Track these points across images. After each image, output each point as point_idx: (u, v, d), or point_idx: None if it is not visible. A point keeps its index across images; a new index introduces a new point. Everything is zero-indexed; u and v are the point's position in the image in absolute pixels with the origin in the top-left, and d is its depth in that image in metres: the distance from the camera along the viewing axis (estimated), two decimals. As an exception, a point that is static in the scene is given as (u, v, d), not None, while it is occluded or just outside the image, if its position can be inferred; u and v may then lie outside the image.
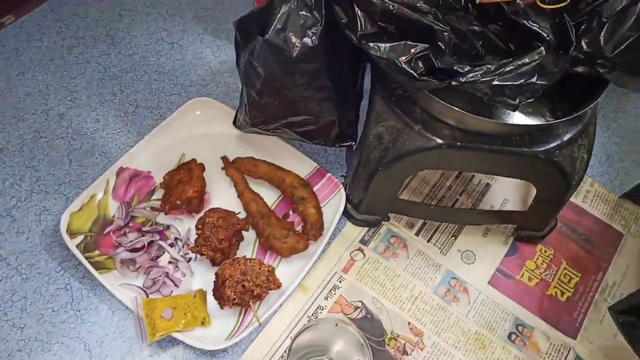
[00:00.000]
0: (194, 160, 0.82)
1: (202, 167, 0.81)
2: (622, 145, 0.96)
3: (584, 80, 0.67)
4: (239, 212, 0.79)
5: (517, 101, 0.60)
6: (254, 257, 0.76)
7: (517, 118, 0.69)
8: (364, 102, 0.83)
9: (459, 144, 0.67)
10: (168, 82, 0.95)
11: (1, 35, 0.98)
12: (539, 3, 0.60)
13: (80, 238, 0.74)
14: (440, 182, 0.88)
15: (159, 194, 0.80)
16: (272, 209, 0.81)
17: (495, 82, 0.59)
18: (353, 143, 0.81)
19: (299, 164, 0.84)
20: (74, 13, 1.02)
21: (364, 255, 0.80)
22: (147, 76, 0.96)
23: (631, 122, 0.99)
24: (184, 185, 0.77)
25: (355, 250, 0.81)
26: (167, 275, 0.73)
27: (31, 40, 0.97)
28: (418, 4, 0.63)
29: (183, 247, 0.76)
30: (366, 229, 0.83)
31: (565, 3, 0.61)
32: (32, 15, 1.01)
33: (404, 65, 0.62)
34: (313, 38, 0.67)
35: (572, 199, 0.88)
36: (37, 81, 0.93)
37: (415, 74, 0.61)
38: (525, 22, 0.62)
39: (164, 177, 0.80)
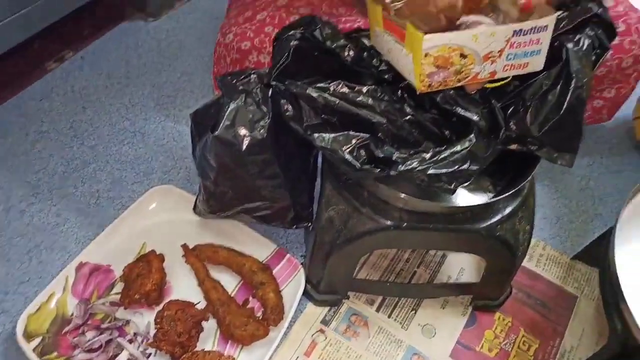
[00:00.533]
0: (152, 251, 0.83)
1: (161, 258, 0.82)
2: (570, 207, 1.00)
3: (521, 154, 0.71)
4: (199, 302, 0.79)
5: (453, 186, 0.64)
6: (214, 348, 0.76)
7: (460, 195, 0.72)
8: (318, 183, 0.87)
9: (405, 225, 0.70)
10: (130, 171, 0.98)
11: (-36, 133, 1.00)
12: (488, 85, 0.65)
13: (37, 340, 0.73)
14: (398, 255, 0.91)
15: (119, 287, 0.81)
16: (232, 295, 0.81)
17: (430, 171, 0.62)
18: (309, 224, 0.84)
19: (259, 247, 0.86)
20: (37, 108, 1.05)
21: (326, 337, 0.81)
22: (109, 166, 0.98)
23: (577, 182, 1.04)
24: (142, 278, 0.78)
25: (317, 331, 0.81)
26: (126, 373, 0.73)
27: (-5, 137, 1.00)
28: (357, 99, 0.68)
29: (142, 342, 0.75)
30: (327, 308, 0.84)
31: (506, 81, 0.65)
32: (-4, 112, 1.04)
33: (346, 156, 0.65)
34: (261, 131, 0.71)
35: (525, 264, 0.91)
36: (-1, 178, 0.95)
37: (357, 164, 0.65)
38: (457, 109, 0.67)
39: (123, 270, 0.80)
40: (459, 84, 0.62)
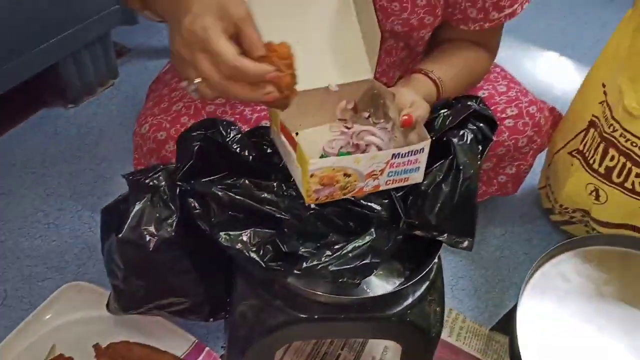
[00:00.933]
0: (60, 355, 0.79)
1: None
2: (487, 276, 1.04)
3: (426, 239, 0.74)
4: (111, 407, 0.75)
5: (356, 280, 0.66)
6: None
7: (369, 282, 0.73)
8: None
9: (317, 317, 0.70)
10: (42, 266, 0.94)
11: None
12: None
13: None
14: (320, 339, 0.90)
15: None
16: (148, 396, 0.78)
17: (332, 268, 0.64)
18: (227, 316, 0.83)
19: (176, 341, 0.84)
20: (-57, 201, 1.01)
21: None
22: (19, 262, 0.94)
23: (492, 252, 1.08)
24: (51, 385, 0.74)
25: None
26: None
27: None
28: (262, 196, 0.70)
29: None
30: (250, 402, 0.82)
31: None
32: None
33: (251, 254, 0.66)
34: (169, 229, 0.71)
35: (446, 339, 0.92)
36: None
37: (262, 262, 0.65)
38: (359, 202, 0.70)
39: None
40: (345, 196, 0.66)
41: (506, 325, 0.94)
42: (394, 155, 0.63)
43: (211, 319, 0.82)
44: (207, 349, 0.83)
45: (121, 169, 1.13)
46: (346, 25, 0.76)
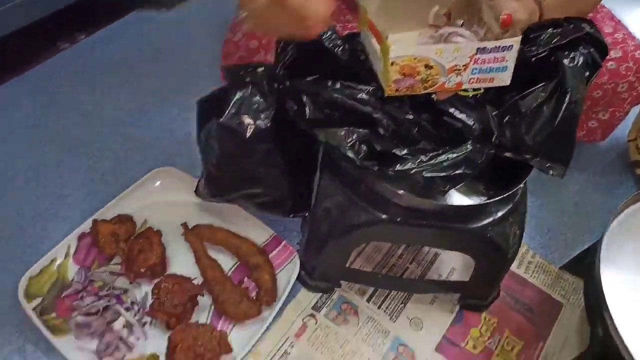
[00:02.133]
0: (150, 228, 0.86)
1: (159, 234, 0.84)
2: (562, 219, 1.03)
3: (514, 163, 0.74)
4: (196, 278, 0.82)
5: (447, 188, 0.67)
6: (208, 322, 0.79)
7: (454, 196, 0.74)
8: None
9: (399, 219, 0.73)
10: (135, 152, 1.00)
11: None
12: (459, 92, 0.67)
13: (37, 301, 0.76)
14: (392, 250, 0.93)
15: (118, 258, 0.83)
16: (228, 274, 0.84)
17: (426, 174, 0.65)
18: (306, 214, 0.86)
19: (257, 232, 0.88)
20: (47, 85, 1.08)
21: (316, 321, 0.83)
22: (114, 146, 1.01)
23: (571, 197, 1.06)
24: (145, 253, 0.81)
25: (308, 316, 0.84)
26: (120, 339, 0.75)
27: (5, 110, 1.02)
28: (359, 96, 0.71)
29: (139, 311, 0.78)
30: (319, 295, 0.86)
31: (480, 92, 0.68)
32: (8, 86, 1.06)
33: (347, 151, 0.68)
34: (265, 121, 0.73)
35: (515, 270, 0.93)
36: (6, 150, 0.97)
37: (357, 160, 0.67)
38: (455, 111, 0.70)
39: (122, 248, 0.83)
40: (426, 91, 0.64)
41: (577, 265, 0.93)
42: (478, 50, 0.60)
43: (291, 215, 0.86)
44: (284, 242, 0.88)
45: (207, 74, 1.16)
46: None
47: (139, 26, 1.23)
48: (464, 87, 0.64)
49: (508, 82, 0.65)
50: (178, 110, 1.08)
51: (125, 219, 0.85)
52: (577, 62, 0.69)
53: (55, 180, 0.94)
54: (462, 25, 0.72)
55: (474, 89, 0.67)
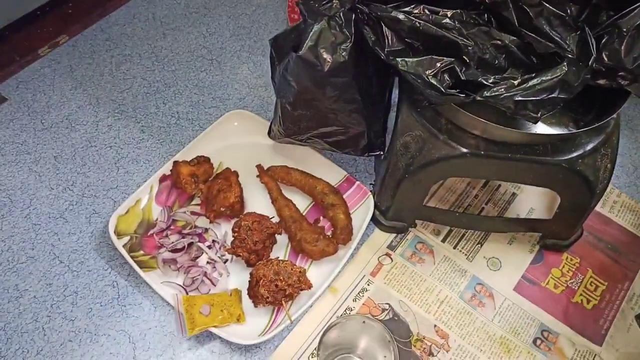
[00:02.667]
0: (228, 169, 0.87)
1: (236, 174, 0.86)
2: (650, 157, 0.97)
3: (606, 91, 0.69)
4: (273, 217, 0.83)
5: (539, 114, 0.63)
6: (286, 259, 0.80)
7: (540, 128, 0.71)
8: (392, 113, 0.87)
9: (482, 152, 0.70)
10: (207, 96, 1.01)
11: (56, 53, 1.06)
12: None
13: (126, 239, 0.80)
14: (466, 191, 0.91)
15: (198, 199, 0.86)
16: (303, 214, 0.85)
17: (518, 98, 0.62)
18: (381, 153, 0.85)
19: (330, 173, 0.88)
20: (121, 33, 1.10)
21: (392, 260, 0.83)
22: (188, 90, 1.02)
23: (662, 134, 1.00)
24: (224, 192, 0.82)
25: (383, 255, 0.84)
26: (205, 274, 0.78)
27: (83, 58, 1.05)
28: (443, 21, 0.68)
29: (220, 248, 0.81)
30: (394, 235, 0.86)
31: None
32: (84, 35, 1.09)
33: (430, 79, 0.65)
34: (343, 54, 0.72)
35: (598, 209, 0.89)
36: (88, 95, 1.00)
37: (442, 88, 0.65)
38: (548, 32, 0.65)
39: (200, 188, 0.85)
40: None
41: (667, 205, 0.88)
42: None
43: (366, 154, 0.85)
44: (357, 182, 0.87)
45: (274, 17, 1.16)
46: None
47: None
48: None
49: None
50: (247, 54, 1.08)
51: (203, 161, 0.87)
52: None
53: (134, 126, 0.96)
54: None
55: None
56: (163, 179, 0.86)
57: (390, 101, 0.88)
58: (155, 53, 1.07)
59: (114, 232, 0.79)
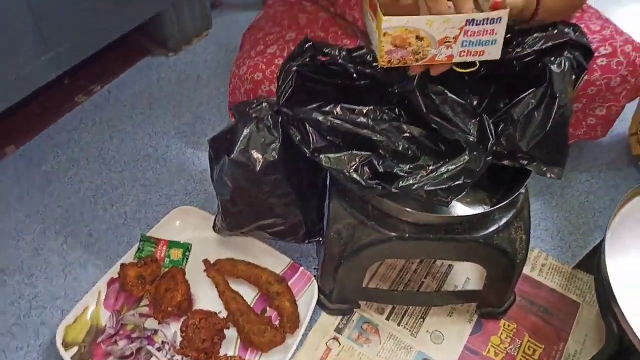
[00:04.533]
0: (174, 267, 0.90)
1: (183, 272, 0.89)
2: (570, 219, 1.04)
3: (513, 169, 0.77)
4: (221, 311, 0.85)
5: (449, 199, 0.70)
6: (235, 354, 0.82)
7: (458, 208, 0.78)
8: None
9: (407, 235, 0.76)
10: (154, 194, 1.05)
11: (2, 164, 1.09)
12: (455, 68, 0.69)
13: (74, 349, 0.80)
14: (406, 266, 0.96)
15: (146, 300, 0.87)
16: (251, 305, 0.87)
17: (428, 187, 0.69)
18: (320, 239, 0.90)
19: (275, 261, 0.92)
20: (69, 138, 1.14)
21: (340, 344, 0.86)
22: (135, 190, 1.06)
23: (577, 197, 1.08)
24: (171, 292, 0.84)
25: (331, 339, 0.86)
26: (156, 377, 0.79)
27: (30, 167, 1.09)
28: (358, 120, 0.75)
29: (170, 349, 0.82)
30: (340, 317, 0.89)
31: (474, 68, 0.69)
32: (31, 144, 1.13)
33: (351, 174, 0.72)
34: (273, 153, 0.78)
35: (528, 273, 0.95)
36: (35, 203, 1.02)
37: (362, 181, 0.71)
38: (452, 118, 0.73)
39: (148, 289, 0.87)
40: (418, 64, 0.66)
41: (590, 263, 0.95)
42: (468, 21, 0.62)
43: (306, 241, 0.90)
44: (301, 268, 0.91)
45: (217, 112, 1.23)
46: None
47: (150, 72, 1.30)
48: (455, 60, 0.66)
49: (498, 56, 0.67)
50: (192, 149, 1.14)
51: (150, 261, 0.90)
52: (564, 67, 0.72)
53: (81, 230, 0.99)
54: None
55: (467, 68, 0.68)
56: (111, 282, 0.88)
57: (325, 189, 0.94)
58: (102, 155, 1.12)
59: (62, 344, 0.79)
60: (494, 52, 0.66)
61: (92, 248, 0.96)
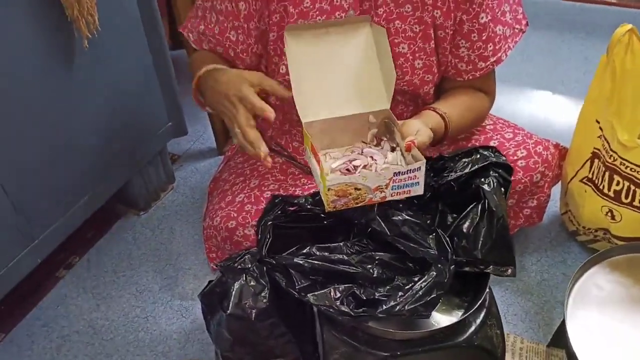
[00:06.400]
0: None
1: None
2: (533, 300, 1.16)
3: (476, 274, 0.88)
4: None
5: (428, 312, 0.80)
6: None
7: (436, 317, 0.87)
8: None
9: (399, 353, 0.84)
10: (149, 354, 1.09)
11: (-7, 353, 1.11)
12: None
13: None
14: (400, 377, 1.02)
15: None
16: None
17: (408, 307, 0.78)
18: (319, 368, 0.96)
19: (279, 399, 0.96)
20: (56, 315, 1.18)
21: None
22: (130, 354, 1.09)
23: (533, 277, 1.21)
24: None
25: None
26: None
27: (22, 351, 1.10)
28: (334, 257, 0.85)
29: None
30: None
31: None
32: (20, 327, 1.15)
33: (340, 307, 0.80)
34: (264, 301, 0.86)
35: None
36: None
37: (351, 312, 0.79)
38: (413, 236, 0.85)
39: None
40: (358, 205, 0.82)
41: (560, 339, 1.05)
42: (395, 174, 0.80)
43: (307, 374, 0.95)
44: (306, 401, 0.95)
45: (195, 259, 1.30)
46: (369, 66, 0.95)
47: (125, 234, 1.38)
48: (387, 199, 0.82)
49: (422, 192, 0.83)
50: (179, 301, 1.19)
51: None
52: (493, 185, 0.87)
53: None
54: (383, 142, 0.93)
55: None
56: None
57: (314, 315, 1.01)
58: (92, 325, 1.15)
59: None
60: (418, 190, 0.83)
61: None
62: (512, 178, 1.11)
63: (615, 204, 1.10)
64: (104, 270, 1.28)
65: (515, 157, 1.11)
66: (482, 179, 0.88)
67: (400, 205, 0.89)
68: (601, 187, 1.12)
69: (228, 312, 0.85)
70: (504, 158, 0.91)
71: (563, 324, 0.99)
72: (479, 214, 0.86)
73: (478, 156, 0.91)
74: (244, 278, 0.88)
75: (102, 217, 1.41)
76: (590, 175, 1.15)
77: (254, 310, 0.85)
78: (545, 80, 1.84)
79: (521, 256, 1.25)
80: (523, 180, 1.11)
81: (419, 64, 1.02)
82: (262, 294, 0.87)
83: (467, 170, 0.89)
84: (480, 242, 0.85)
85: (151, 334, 1.13)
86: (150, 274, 1.26)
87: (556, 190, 1.25)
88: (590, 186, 1.15)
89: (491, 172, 0.89)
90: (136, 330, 1.14)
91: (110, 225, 1.40)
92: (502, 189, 0.89)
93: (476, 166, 0.89)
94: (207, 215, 1.15)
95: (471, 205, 0.87)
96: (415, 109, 1.13)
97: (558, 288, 1.18)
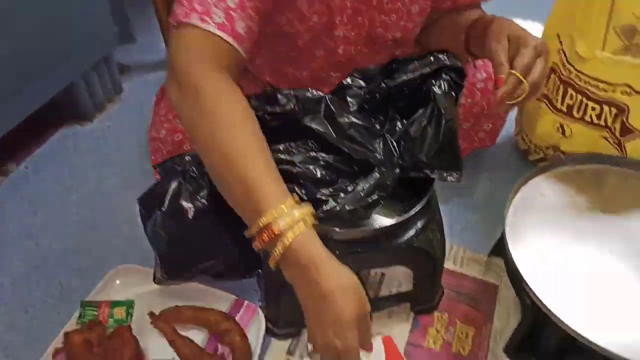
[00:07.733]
0: (120, 325, 0.91)
1: (128, 329, 0.89)
2: (479, 216, 1.17)
3: (421, 180, 0.87)
4: (174, 358, 0.88)
5: (368, 214, 0.79)
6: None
7: (378, 220, 0.86)
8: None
9: (338, 252, 0.83)
10: (89, 261, 1.06)
11: None
12: None
13: None
14: (343, 283, 1.03)
15: (98, 364, 0.88)
16: (203, 346, 0.90)
17: (348, 207, 0.77)
18: (259, 270, 0.95)
19: (220, 301, 0.96)
20: (-10, 219, 1.13)
21: (293, 365, 0.91)
22: (70, 259, 1.06)
23: (483, 195, 1.22)
24: (120, 350, 0.85)
25: (285, 362, 0.91)
26: None
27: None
28: (277, 157, 0.82)
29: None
30: (290, 340, 0.94)
31: None
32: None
33: (278, 205, 0.78)
34: (202, 201, 0.83)
35: (451, 267, 1.06)
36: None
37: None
38: (360, 140, 0.82)
39: (96, 352, 0.87)
40: None
41: (500, 248, 1.07)
42: None
43: (247, 276, 0.95)
44: (246, 302, 0.95)
45: (141, 172, 1.25)
46: None
47: (67, 142, 1.31)
48: None
49: None
50: (121, 211, 1.15)
51: (94, 324, 0.90)
52: (444, 88, 0.85)
53: (18, 306, 0.97)
54: None
55: None
56: (57, 353, 0.88)
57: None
58: (30, 232, 1.11)
59: None
60: None
61: (30, 325, 0.95)
62: (470, 100, 1.10)
63: (567, 119, 1.10)
64: (43, 179, 1.22)
65: (474, 79, 1.08)
66: (433, 81, 0.85)
67: (350, 109, 0.86)
68: (555, 102, 1.11)
69: (163, 209, 0.82)
70: (458, 61, 0.88)
71: (503, 233, 1.00)
72: (427, 116, 0.83)
73: (432, 59, 0.87)
74: (183, 178, 0.85)
75: (41, 126, 1.34)
76: (545, 92, 1.14)
77: (191, 209, 0.83)
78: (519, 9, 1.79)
79: (472, 176, 1.25)
80: (480, 103, 1.09)
81: (415, 8, 0.96)
82: (201, 194, 0.84)
83: (419, 73, 0.86)
84: (427, 145, 0.83)
85: (91, 241, 1.10)
86: (93, 184, 1.22)
87: (512, 113, 1.24)
88: (545, 102, 1.14)
89: (443, 75, 0.86)
90: (75, 237, 1.10)
91: (50, 134, 1.33)
92: (454, 93, 0.87)
93: (429, 69, 0.86)
94: (153, 127, 1.09)
95: (421, 110, 0.85)
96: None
97: (504, 205, 1.19)
